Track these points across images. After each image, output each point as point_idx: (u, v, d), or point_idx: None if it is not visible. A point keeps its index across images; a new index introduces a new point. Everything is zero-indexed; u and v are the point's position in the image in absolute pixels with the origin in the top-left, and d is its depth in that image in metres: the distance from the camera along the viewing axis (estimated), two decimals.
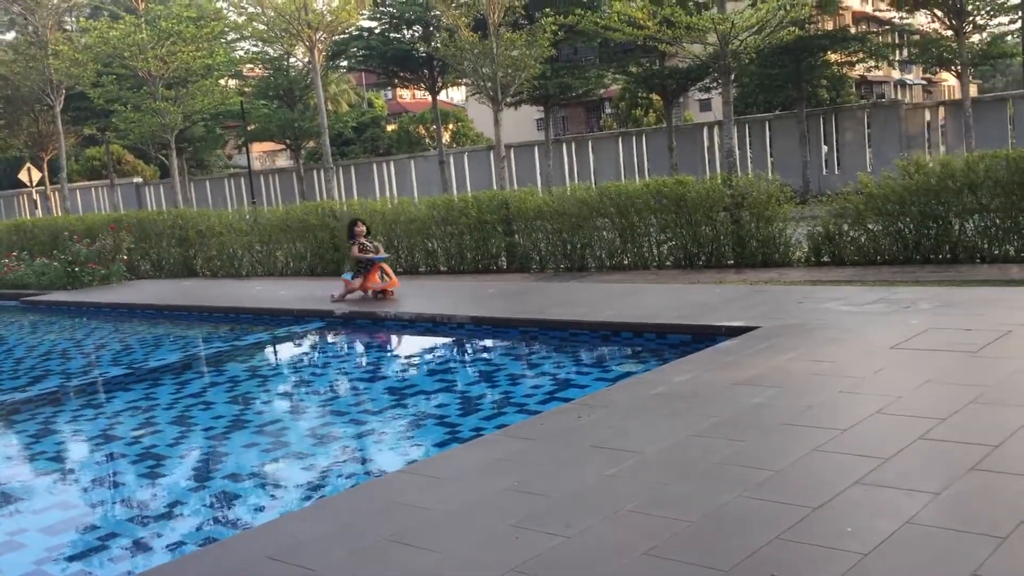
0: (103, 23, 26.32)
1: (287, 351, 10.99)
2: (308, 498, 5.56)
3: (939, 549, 3.44)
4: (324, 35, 23.01)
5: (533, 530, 4.01)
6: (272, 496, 5.75)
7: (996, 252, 11.11)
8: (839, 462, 4.44)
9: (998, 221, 11.08)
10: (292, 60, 33.29)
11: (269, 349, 11.04)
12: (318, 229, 16.90)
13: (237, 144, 41.27)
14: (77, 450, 7.46)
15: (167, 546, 5.03)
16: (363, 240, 11.81)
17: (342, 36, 28.51)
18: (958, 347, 6.39)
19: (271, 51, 32.62)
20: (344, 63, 34.58)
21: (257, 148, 47.22)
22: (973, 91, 31.11)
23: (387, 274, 11.79)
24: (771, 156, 28.38)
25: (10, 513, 5.94)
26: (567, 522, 4.04)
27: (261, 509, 5.49)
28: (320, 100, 23.85)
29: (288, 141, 35.47)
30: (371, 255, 11.70)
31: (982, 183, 11.05)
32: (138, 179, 41.22)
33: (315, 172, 34.85)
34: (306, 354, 10.77)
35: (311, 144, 36.79)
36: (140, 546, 5.10)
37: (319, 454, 6.47)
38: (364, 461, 6.41)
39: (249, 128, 35.27)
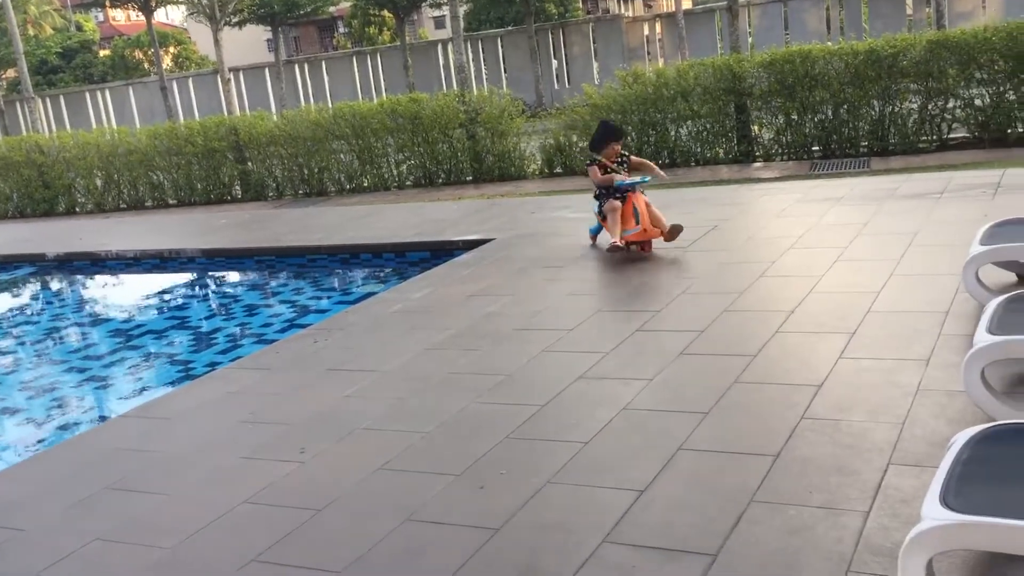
0: None
1: None
2: (23, 456, 5.11)
3: (651, 430, 3.69)
4: None
5: (267, 459, 3.90)
6: None
7: (708, 155, 11.95)
8: (565, 360, 4.63)
9: (708, 126, 11.89)
10: None
11: None
12: (23, 166, 15.38)
13: None
14: None
15: None
16: (612, 164, 6.94)
17: None
18: (672, 244, 6.81)
19: None
20: None
21: None
22: (687, 4, 32.93)
23: (642, 214, 6.59)
24: (504, 72, 28.82)
25: None
26: (302, 447, 3.96)
27: None
28: (11, 23, 21.41)
29: None
30: (616, 178, 6.78)
31: (692, 90, 11.77)
32: None
33: (17, 104, 31.52)
34: (16, 302, 9.82)
35: (11, 74, 33.15)
36: None
37: (35, 408, 5.96)
38: (87, 410, 5.96)
39: None
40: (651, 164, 7.13)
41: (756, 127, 11.89)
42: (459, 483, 3.43)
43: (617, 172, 6.87)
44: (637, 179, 6.76)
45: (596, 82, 25.16)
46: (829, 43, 12.72)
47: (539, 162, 13.00)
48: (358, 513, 3.30)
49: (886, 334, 4.39)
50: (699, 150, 12.01)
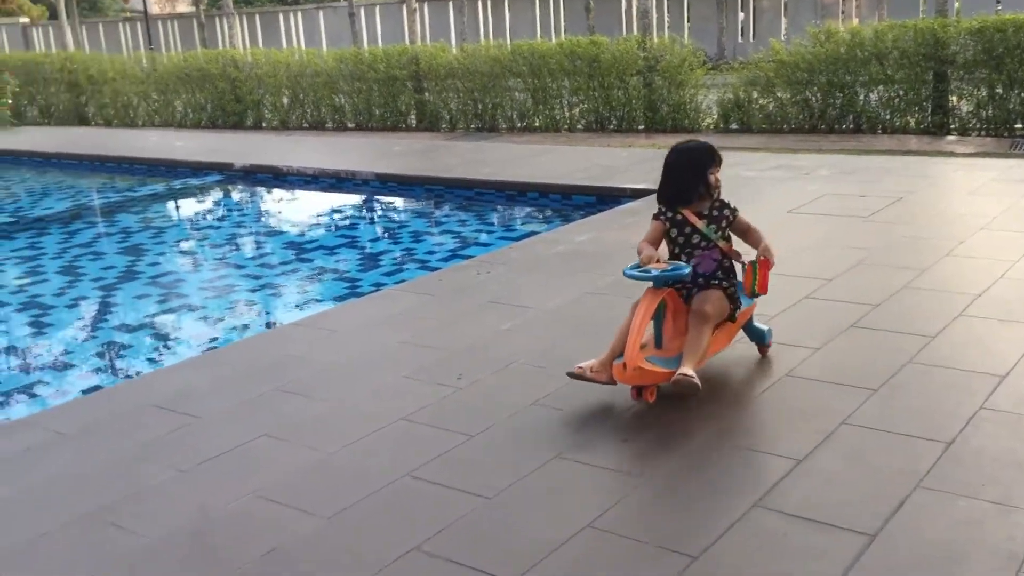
0: None
1: (184, 204, 10.62)
2: (194, 350, 5.45)
3: (814, 400, 3.56)
4: None
5: (425, 381, 4.00)
6: (162, 348, 5.63)
7: (897, 123, 11.29)
8: None
9: (901, 92, 11.21)
10: None
11: (164, 201, 10.65)
12: (218, 79, 16.16)
13: None
14: None
15: (52, 394, 4.90)
16: (695, 218, 3.82)
17: None
18: (851, 212, 6.52)
19: None
20: None
21: None
22: None
23: (632, 337, 3.48)
24: (688, 21, 28.04)
25: None
26: (459, 374, 4.04)
27: (151, 360, 5.37)
28: None
29: None
30: (651, 266, 3.61)
31: (889, 53, 11.11)
32: (24, 19, 38.48)
33: (217, 20, 33.09)
34: (203, 207, 10.43)
35: None
36: (24, 393, 4.96)
37: (213, 307, 6.33)
38: (259, 314, 6.29)
39: None
40: (763, 239, 3.92)
41: (955, 98, 11.13)
42: (609, 429, 3.42)
43: (708, 236, 3.78)
44: (666, 268, 3.58)
45: (783, 38, 24.12)
46: None
47: (715, 116, 12.64)
48: (509, 444, 3.35)
49: None
50: (888, 117, 11.36)
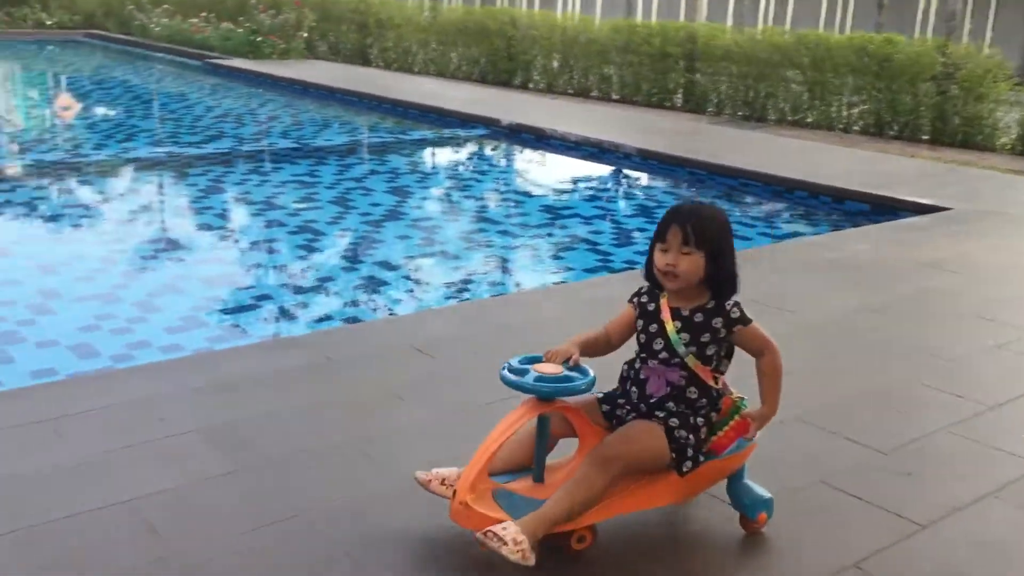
0: None
1: (449, 153, 10.95)
2: (448, 298, 5.57)
3: None
4: None
5: None
6: (418, 290, 5.79)
7: None
8: (1021, 364, 4.05)
9: None
10: None
11: (432, 148, 11.02)
12: (495, 36, 16.52)
13: None
14: (240, 211, 7.71)
15: (314, 318, 5.16)
16: (667, 314, 2.59)
17: None
18: None
19: None
20: None
21: None
22: None
23: (470, 471, 2.39)
24: (991, 30, 25.75)
25: (175, 259, 6.24)
26: None
27: (404, 301, 5.54)
28: None
29: None
30: (537, 367, 2.46)
31: None
32: None
33: None
34: (466, 159, 10.70)
35: None
36: (287, 312, 5.25)
37: (465, 257, 6.45)
38: (509, 272, 6.35)
39: None
40: (772, 385, 2.60)
41: None
42: (886, 461, 3.13)
43: (673, 346, 2.57)
44: (556, 375, 2.46)
45: None
46: None
47: (1012, 136, 11.49)
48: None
49: None
50: None
